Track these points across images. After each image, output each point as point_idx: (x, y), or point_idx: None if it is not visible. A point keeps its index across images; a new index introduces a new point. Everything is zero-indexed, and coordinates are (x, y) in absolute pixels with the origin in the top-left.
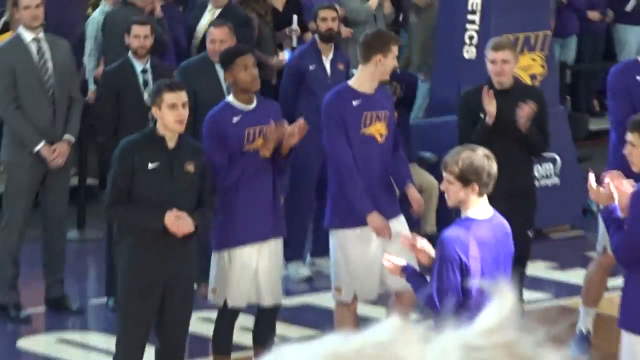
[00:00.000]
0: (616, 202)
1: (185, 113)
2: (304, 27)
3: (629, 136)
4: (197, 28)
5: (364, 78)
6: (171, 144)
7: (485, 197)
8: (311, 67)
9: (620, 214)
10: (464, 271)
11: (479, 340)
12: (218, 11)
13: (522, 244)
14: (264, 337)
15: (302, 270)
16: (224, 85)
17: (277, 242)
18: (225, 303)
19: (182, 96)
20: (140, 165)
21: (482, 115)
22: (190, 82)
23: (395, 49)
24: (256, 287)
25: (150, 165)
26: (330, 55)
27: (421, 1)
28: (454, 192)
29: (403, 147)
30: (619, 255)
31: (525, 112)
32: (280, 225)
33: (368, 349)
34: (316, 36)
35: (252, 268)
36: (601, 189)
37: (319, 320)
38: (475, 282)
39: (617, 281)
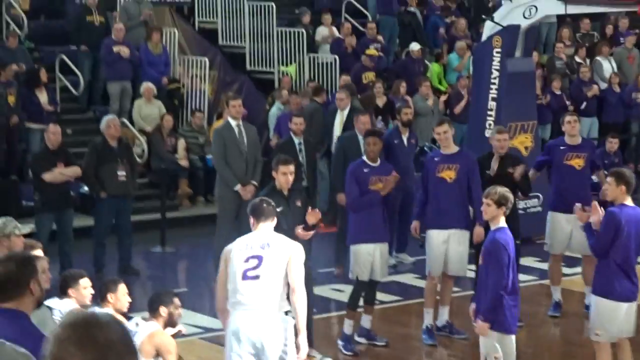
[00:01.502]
0: (591, 220)
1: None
2: (393, 116)
3: (608, 179)
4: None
5: None
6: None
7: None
8: (396, 141)
9: (594, 227)
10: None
11: None
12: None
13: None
14: (371, 299)
15: (390, 260)
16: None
17: (386, 243)
18: (357, 278)
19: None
20: None
21: (487, 172)
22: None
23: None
24: (372, 268)
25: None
26: (407, 134)
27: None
28: (490, 212)
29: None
30: (593, 251)
31: (518, 171)
32: (386, 233)
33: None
34: (399, 123)
35: (371, 257)
36: (584, 213)
37: (401, 292)
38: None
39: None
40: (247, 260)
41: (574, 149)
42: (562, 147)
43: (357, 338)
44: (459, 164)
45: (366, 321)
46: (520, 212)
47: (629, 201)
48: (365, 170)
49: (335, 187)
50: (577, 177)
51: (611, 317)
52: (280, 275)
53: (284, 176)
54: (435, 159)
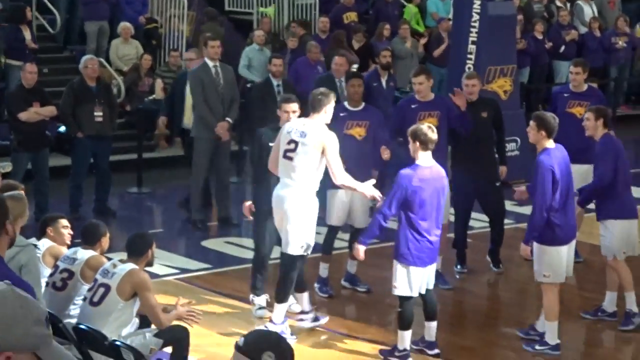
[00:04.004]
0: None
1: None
2: (373, 59)
3: (586, 115)
4: None
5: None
6: None
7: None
8: (375, 84)
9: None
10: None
11: None
12: None
13: (494, 191)
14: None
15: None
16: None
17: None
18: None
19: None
20: None
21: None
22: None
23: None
24: (351, 215)
25: None
26: (386, 77)
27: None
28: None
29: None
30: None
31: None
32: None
33: None
34: (378, 65)
35: (347, 204)
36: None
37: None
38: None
39: None
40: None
41: (578, 97)
42: (565, 95)
43: (342, 282)
44: (439, 111)
45: (351, 266)
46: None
47: (550, 144)
48: (342, 114)
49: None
50: (577, 125)
51: (555, 261)
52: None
53: (286, 114)
54: (412, 106)
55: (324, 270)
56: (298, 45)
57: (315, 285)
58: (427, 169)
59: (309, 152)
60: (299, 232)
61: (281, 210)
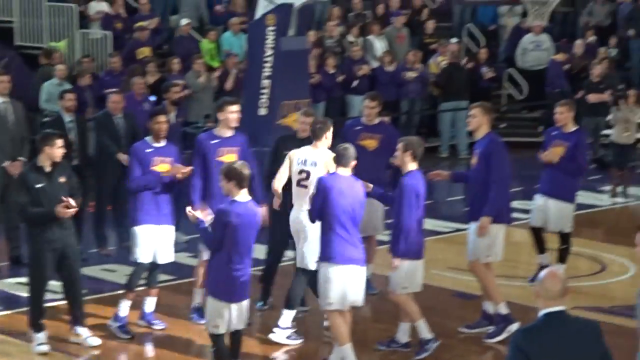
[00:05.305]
0: None
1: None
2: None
3: (398, 146)
4: None
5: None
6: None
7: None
8: None
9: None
10: None
11: None
12: None
13: None
14: (154, 281)
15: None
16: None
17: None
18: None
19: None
20: None
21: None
22: None
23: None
24: (155, 251)
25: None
26: (175, 112)
27: None
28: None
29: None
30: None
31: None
32: (170, 215)
33: None
34: (167, 101)
35: (154, 239)
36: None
37: (174, 270)
38: None
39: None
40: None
41: (369, 130)
42: (357, 128)
43: (139, 321)
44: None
45: (148, 304)
46: None
47: (414, 166)
48: (148, 150)
49: (97, 167)
50: (368, 158)
51: (411, 273)
52: None
53: (55, 151)
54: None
55: (124, 308)
56: (93, 81)
57: (113, 324)
58: (243, 205)
59: None
60: (315, 249)
61: (301, 231)
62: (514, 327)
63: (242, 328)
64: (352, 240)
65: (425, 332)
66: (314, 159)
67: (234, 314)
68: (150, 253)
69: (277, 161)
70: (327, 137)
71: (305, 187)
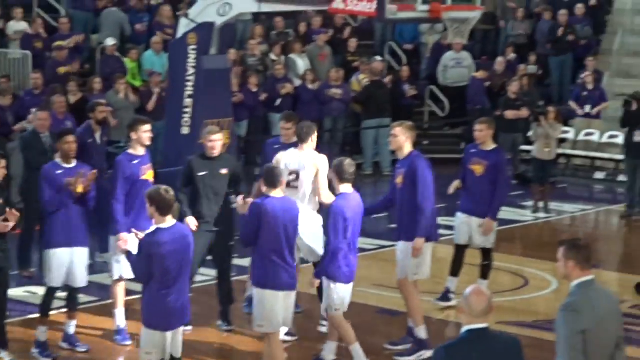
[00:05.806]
0: None
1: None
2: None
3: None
4: None
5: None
6: None
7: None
8: (90, 140)
9: None
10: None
11: None
12: None
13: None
14: (74, 305)
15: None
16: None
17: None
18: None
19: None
20: None
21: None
22: None
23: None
24: (70, 274)
25: None
26: (100, 132)
27: None
28: None
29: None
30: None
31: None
32: (86, 236)
33: None
34: (92, 122)
35: (67, 262)
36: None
37: (99, 292)
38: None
39: None
40: None
41: (288, 148)
42: (276, 146)
43: (60, 344)
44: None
45: (70, 327)
46: None
47: (346, 188)
48: (59, 172)
49: (25, 187)
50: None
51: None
52: None
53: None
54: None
55: (42, 333)
56: (14, 101)
57: (34, 350)
58: (167, 232)
59: (310, 178)
60: (319, 238)
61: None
62: (427, 354)
63: (179, 357)
64: (285, 266)
65: (360, 357)
66: (302, 162)
67: (168, 342)
68: (62, 277)
69: (190, 182)
70: (313, 140)
71: (296, 187)
